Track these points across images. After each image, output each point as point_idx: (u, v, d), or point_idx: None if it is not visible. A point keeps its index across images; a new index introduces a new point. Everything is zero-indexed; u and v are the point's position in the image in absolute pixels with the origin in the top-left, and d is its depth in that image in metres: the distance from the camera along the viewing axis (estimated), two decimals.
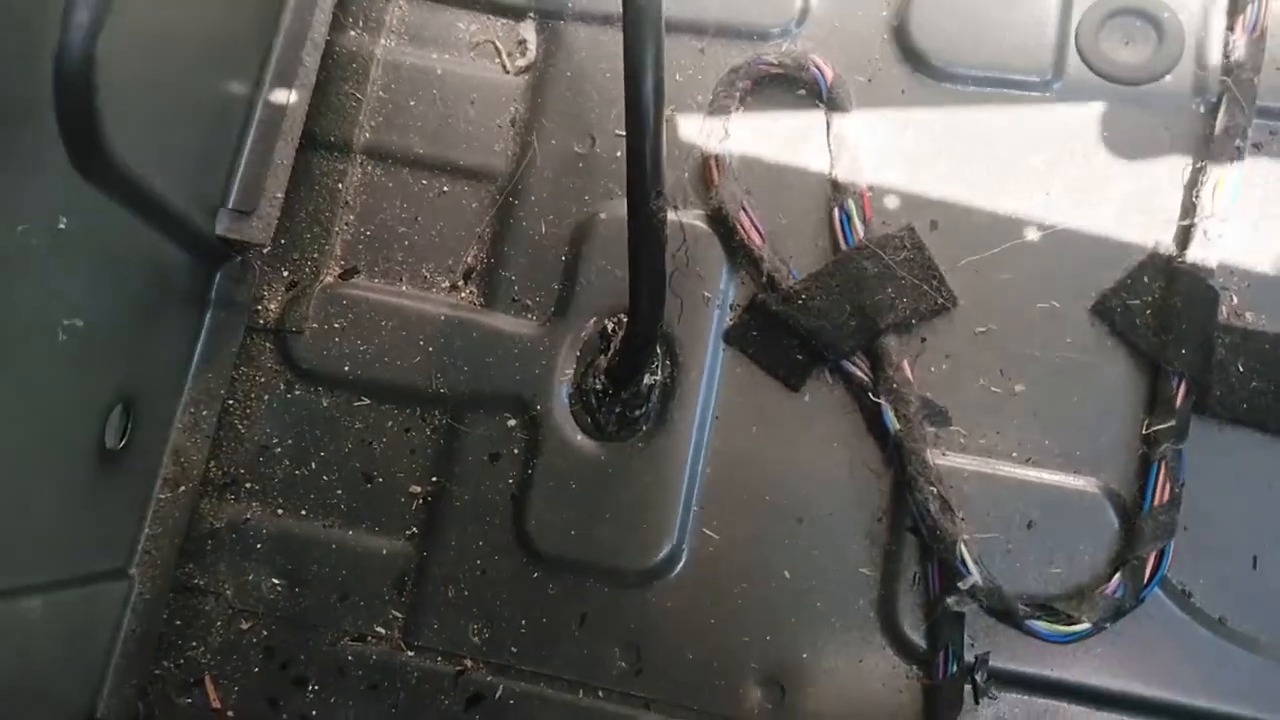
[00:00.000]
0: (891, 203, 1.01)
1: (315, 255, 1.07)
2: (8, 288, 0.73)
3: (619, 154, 1.07)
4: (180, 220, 0.91)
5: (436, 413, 1.02)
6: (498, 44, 1.13)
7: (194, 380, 1.01)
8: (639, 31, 0.86)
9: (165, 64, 0.85)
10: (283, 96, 1.01)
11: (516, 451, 0.99)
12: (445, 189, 1.09)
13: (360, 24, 1.13)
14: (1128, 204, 0.97)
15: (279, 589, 1.01)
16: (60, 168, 0.75)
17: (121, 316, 0.89)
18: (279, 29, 1.00)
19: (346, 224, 1.08)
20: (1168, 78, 0.99)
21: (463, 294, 1.06)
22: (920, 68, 1.03)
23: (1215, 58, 0.99)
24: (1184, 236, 0.94)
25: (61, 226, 0.76)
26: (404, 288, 1.06)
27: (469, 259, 1.07)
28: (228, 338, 1.03)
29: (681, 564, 0.95)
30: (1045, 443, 0.93)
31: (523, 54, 1.13)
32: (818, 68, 1.04)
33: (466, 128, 1.11)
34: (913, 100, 1.03)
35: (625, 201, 0.80)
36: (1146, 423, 0.91)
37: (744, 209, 1.01)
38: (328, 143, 1.10)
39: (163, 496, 0.99)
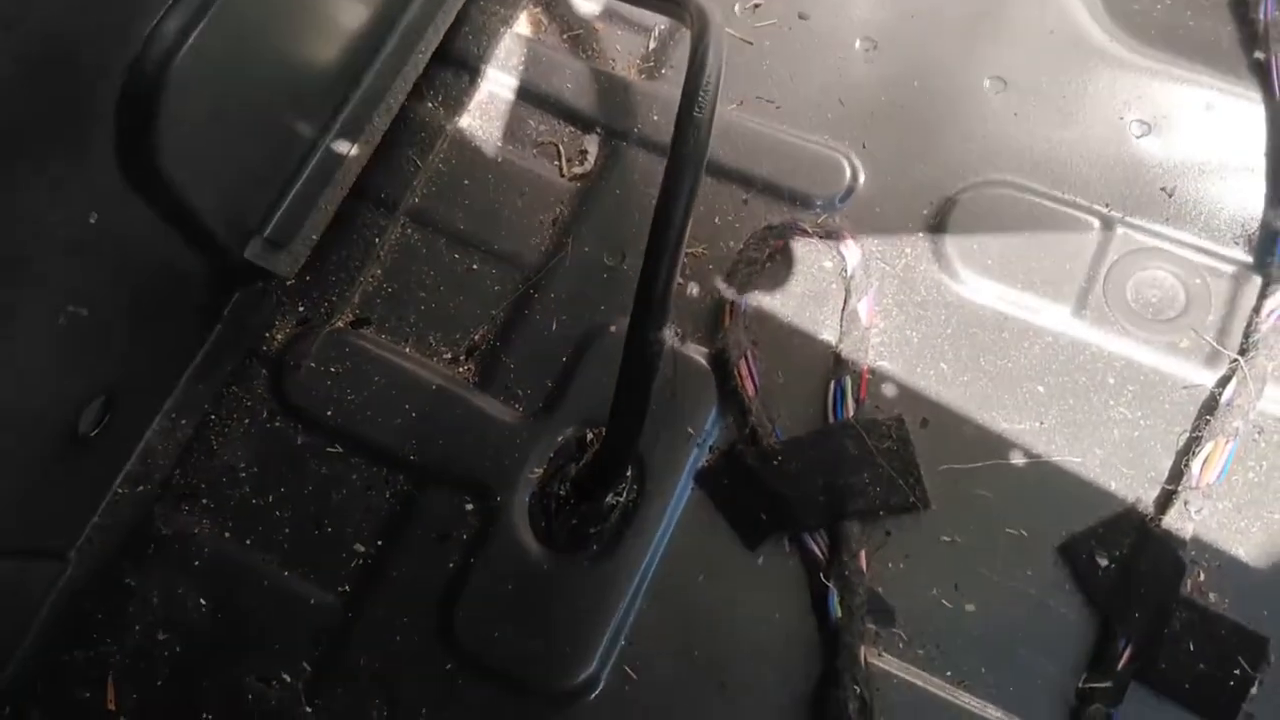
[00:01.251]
0: (889, 389, 1.02)
1: (334, 298, 1.11)
2: (21, 264, 0.77)
3: None
4: (212, 238, 0.95)
5: (401, 478, 1.03)
6: (561, 147, 1.18)
7: (183, 388, 1.03)
8: (679, 174, 0.91)
9: (236, 95, 0.90)
10: (345, 148, 1.06)
11: (465, 537, 1.00)
12: (474, 266, 1.13)
13: (440, 98, 1.19)
14: (1118, 452, 0.97)
15: (204, 609, 1.01)
16: (106, 168, 0.80)
17: (128, 313, 0.92)
18: (359, 86, 1.06)
19: (373, 276, 1.12)
20: (1184, 342, 1.00)
21: (461, 369, 1.08)
22: (947, 270, 1.06)
23: (1236, 335, 1.00)
24: (1165, 500, 0.94)
25: (92, 221, 0.80)
26: (407, 349, 1.09)
27: (476, 337, 1.10)
28: (227, 355, 1.05)
29: (595, 694, 0.94)
30: (982, 670, 0.91)
31: (581, 162, 1.17)
32: (848, 245, 1.07)
33: (511, 216, 1.15)
34: (932, 298, 1.05)
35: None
36: (1085, 677, 0.89)
37: (745, 358, 1.03)
38: (378, 198, 1.14)
39: (121, 491, 1.01)
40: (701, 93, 0.94)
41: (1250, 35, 1.13)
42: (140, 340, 0.96)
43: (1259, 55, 1.11)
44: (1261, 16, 1.12)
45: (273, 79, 0.94)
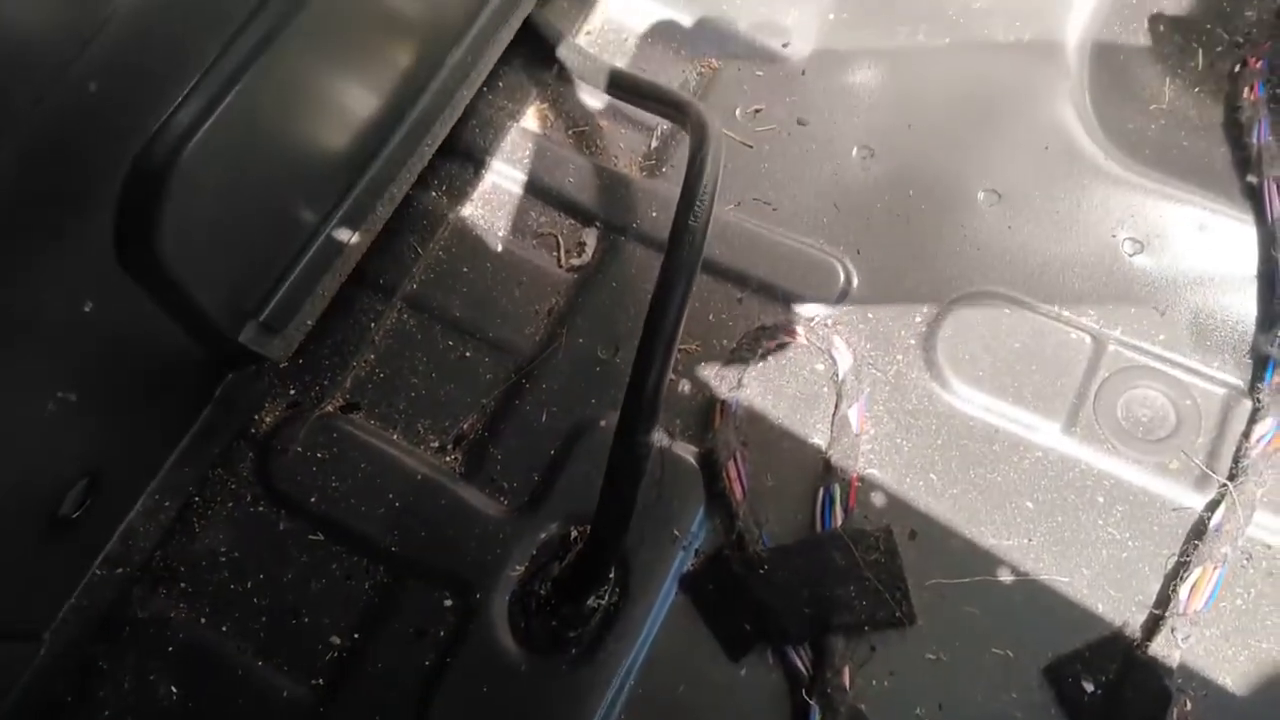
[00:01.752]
0: (878, 499, 1.01)
1: (325, 382, 1.11)
2: (11, 352, 0.77)
3: None
4: (208, 324, 0.95)
5: (381, 569, 1.02)
6: (560, 239, 1.19)
7: (169, 470, 1.03)
8: (672, 281, 0.92)
9: (241, 186, 0.91)
10: (346, 236, 1.07)
11: (443, 634, 0.98)
12: (468, 354, 1.13)
13: (444, 188, 1.21)
14: (1105, 574, 0.96)
15: (174, 698, 0.99)
16: (103, 256, 0.81)
17: (117, 397, 0.92)
18: (363, 176, 1.07)
19: (365, 361, 1.12)
20: (1174, 463, 1.00)
21: (448, 458, 1.08)
22: (938, 378, 1.06)
23: (1226, 459, 0.99)
24: (1152, 626, 0.93)
25: (86, 309, 0.81)
26: (395, 436, 1.09)
27: (465, 426, 1.09)
28: (215, 438, 1.05)
29: None
30: None
31: (579, 255, 1.18)
32: (839, 350, 1.07)
33: (507, 305, 1.15)
34: (923, 408, 1.05)
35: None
36: None
37: (734, 460, 1.02)
38: (375, 283, 1.15)
39: (99, 572, 1.00)
40: (698, 201, 0.95)
41: (1243, 159, 1.15)
42: (129, 422, 0.96)
43: (1252, 179, 1.12)
44: (1255, 141, 1.14)
45: (279, 169, 0.96)
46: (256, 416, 1.08)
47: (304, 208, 1.02)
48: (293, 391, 1.10)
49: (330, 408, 1.10)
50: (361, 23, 0.97)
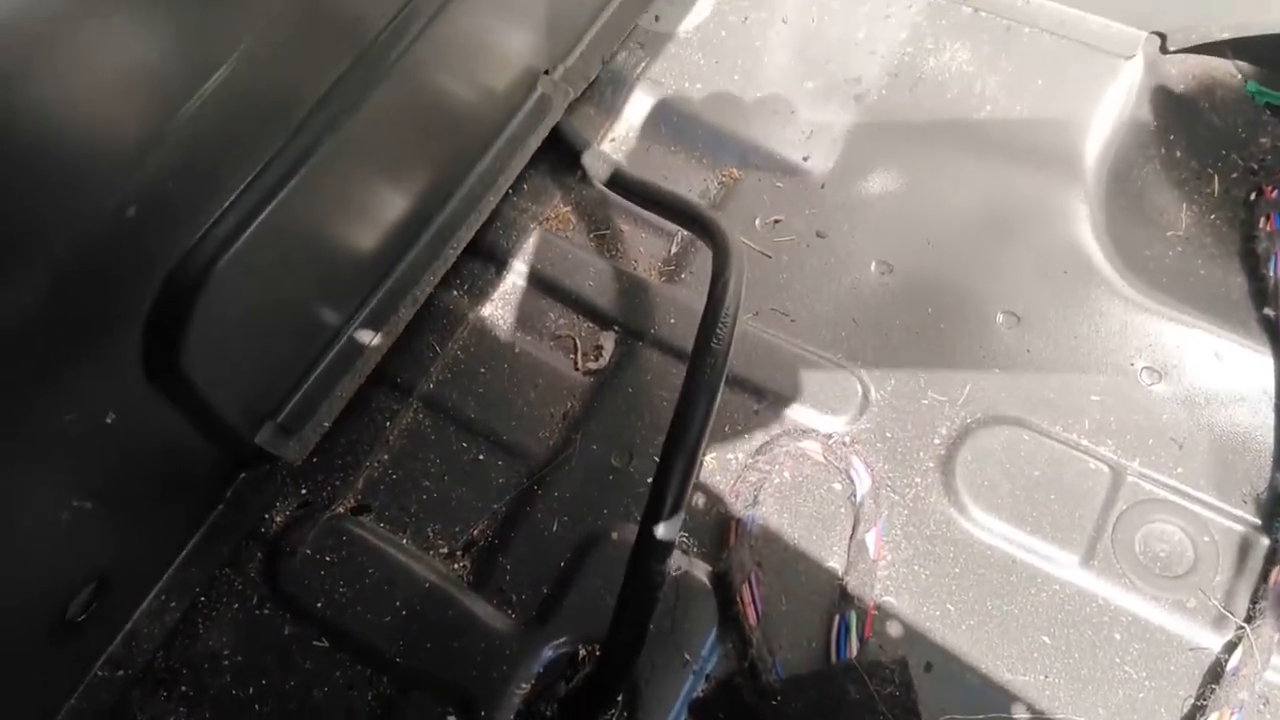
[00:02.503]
0: (894, 628, 1.00)
1: (337, 482, 1.10)
2: (30, 465, 0.76)
3: (649, 480, 1.09)
4: (226, 427, 0.95)
5: (385, 680, 1.00)
6: (578, 341, 1.20)
7: (176, 570, 1.02)
8: (693, 404, 0.92)
9: (271, 294, 0.92)
10: (367, 338, 1.07)
11: None
12: (481, 457, 1.13)
13: (465, 288, 1.21)
14: (1121, 714, 0.94)
15: None
16: (129, 371, 0.80)
17: (131, 502, 0.91)
18: (387, 280, 1.08)
19: (379, 462, 1.12)
20: (1192, 601, 0.99)
21: (456, 565, 1.07)
22: (956, 504, 1.05)
23: (1244, 599, 0.98)
24: None
25: (109, 421, 0.80)
26: (405, 541, 1.08)
27: (475, 532, 1.08)
28: (225, 538, 1.04)
29: None
30: None
31: (596, 358, 1.19)
32: (857, 470, 1.07)
33: (522, 407, 1.15)
34: (941, 534, 1.04)
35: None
36: None
37: (749, 582, 1.01)
38: (393, 382, 1.15)
39: (100, 674, 0.98)
40: (720, 324, 0.96)
41: (1260, 289, 1.16)
42: (140, 525, 0.95)
43: (1269, 311, 1.13)
44: (1271, 273, 1.15)
45: (307, 278, 0.96)
46: (267, 516, 1.07)
47: (328, 312, 1.03)
48: (304, 491, 1.10)
49: (341, 509, 1.09)
50: (395, 138, 0.99)
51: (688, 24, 1.37)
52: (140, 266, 0.76)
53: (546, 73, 1.25)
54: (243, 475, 1.06)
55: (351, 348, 1.06)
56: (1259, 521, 1.02)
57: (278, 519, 1.08)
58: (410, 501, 1.10)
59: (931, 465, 1.08)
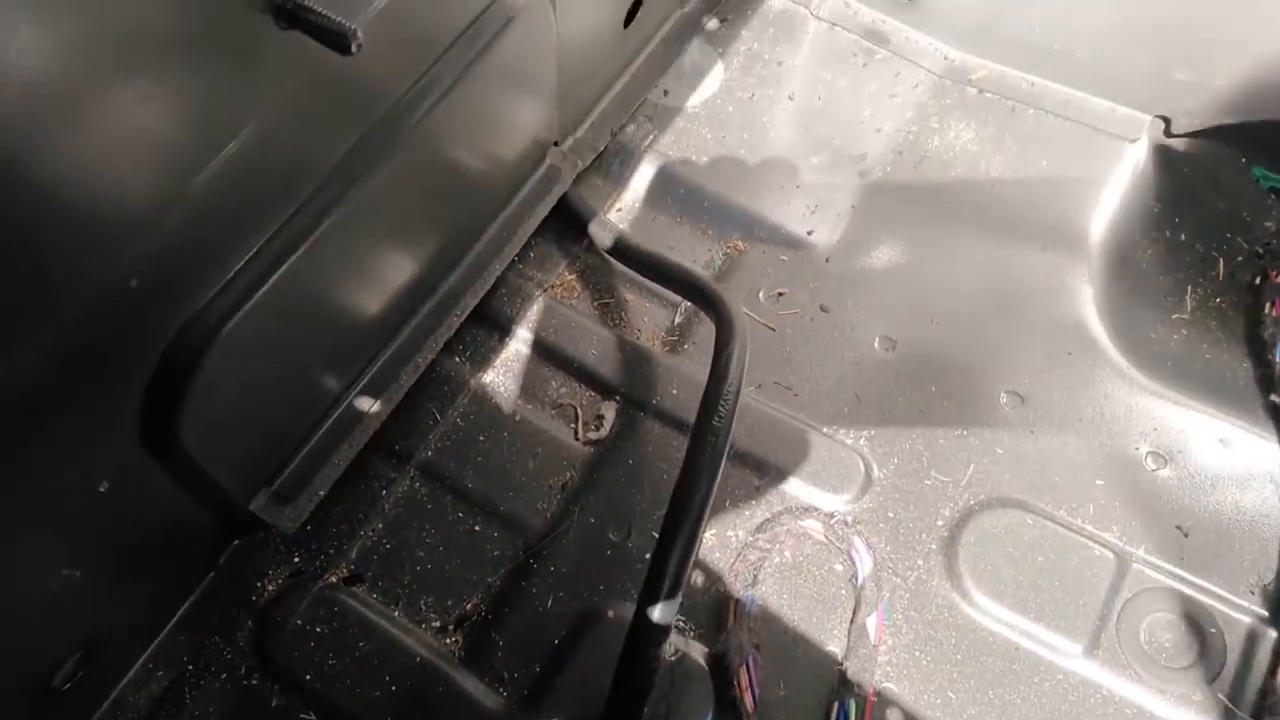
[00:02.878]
0: (894, 716, 0.98)
1: (331, 551, 1.09)
2: (19, 534, 0.75)
3: (647, 556, 1.08)
4: (221, 495, 0.94)
5: None
6: (579, 410, 1.19)
7: (165, 638, 1.00)
8: (693, 483, 0.91)
9: (272, 363, 0.91)
10: (367, 405, 1.07)
11: None
12: (477, 528, 1.11)
13: (467, 354, 1.21)
14: None
15: None
16: (126, 440, 0.80)
17: (122, 569, 0.90)
18: (389, 347, 1.08)
19: (373, 531, 1.10)
20: (1198, 694, 0.97)
21: (448, 639, 1.05)
22: (959, 588, 1.04)
23: (1251, 693, 0.96)
24: None
25: (102, 490, 0.79)
26: (397, 613, 1.06)
27: (468, 606, 1.07)
28: (215, 606, 1.03)
29: None
30: None
31: (597, 428, 1.18)
32: (859, 552, 1.05)
33: (521, 477, 1.14)
34: (943, 618, 1.02)
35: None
36: None
37: (747, 665, 0.99)
38: (391, 449, 1.14)
39: None
40: (722, 402, 0.95)
41: (1266, 376, 1.15)
42: (130, 592, 0.94)
43: (1275, 399, 1.12)
44: (1277, 360, 1.14)
45: (309, 347, 0.96)
46: (259, 584, 1.06)
47: (329, 379, 1.02)
48: (297, 559, 1.08)
49: (334, 578, 1.07)
50: (403, 208, 0.99)
51: (696, 99, 1.39)
52: (140, 337, 0.76)
53: (556, 144, 1.27)
54: (235, 542, 1.05)
55: (351, 415, 1.06)
56: (1266, 613, 1.01)
57: (269, 587, 1.06)
58: (404, 572, 1.08)
59: (934, 547, 1.06)
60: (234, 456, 0.91)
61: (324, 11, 0.69)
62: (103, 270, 0.69)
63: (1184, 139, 1.31)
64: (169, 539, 0.95)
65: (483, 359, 1.21)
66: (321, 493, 1.05)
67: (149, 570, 0.95)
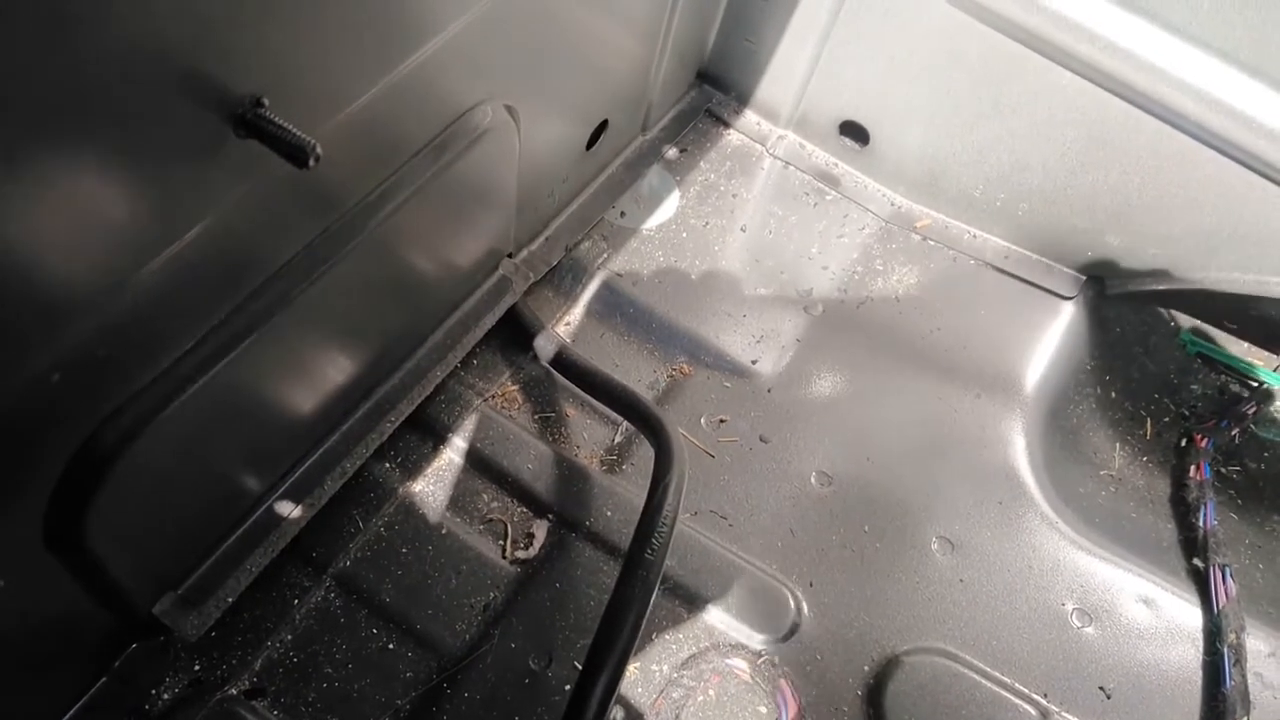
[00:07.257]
0: None
1: (234, 662, 1.03)
2: None
3: (567, 688, 1.04)
4: (122, 595, 0.89)
5: None
6: (509, 527, 1.16)
7: None
8: (618, 619, 0.88)
9: (189, 466, 0.88)
10: (287, 509, 1.03)
11: None
12: (391, 646, 1.06)
13: (399, 461, 1.18)
14: None
15: None
16: (29, 539, 0.75)
17: (8, 670, 0.84)
18: (317, 450, 1.05)
19: (281, 643, 1.05)
20: None
21: None
22: None
23: None
24: None
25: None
26: None
27: None
28: (104, 714, 0.96)
29: None
30: None
31: (526, 547, 1.15)
32: (786, 696, 1.03)
33: (441, 595, 1.10)
34: None
35: None
36: None
37: None
38: (308, 556, 1.10)
39: None
40: (656, 534, 0.94)
41: (1189, 539, 1.17)
42: (15, 695, 0.87)
43: (1198, 563, 1.14)
44: (1201, 524, 1.17)
45: (231, 448, 0.93)
46: (154, 692, 0.99)
47: (249, 481, 0.98)
48: (197, 667, 1.02)
49: (235, 690, 1.01)
50: (348, 310, 0.98)
51: (651, 222, 1.42)
52: (54, 433, 0.72)
53: (510, 255, 1.27)
54: (134, 645, 0.98)
55: (269, 519, 1.02)
56: None
57: (164, 696, 1.00)
58: (309, 689, 1.03)
59: (860, 694, 1.04)
60: (141, 558, 0.87)
61: (283, 124, 0.68)
62: (23, 365, 0.66)
63: (1117, 300, 1.37)
64: (63, 639, 0.89)
65: (414, 467, 1.19)
66: (230, 599, 0.99)
67: (38, 672, 0.88)
